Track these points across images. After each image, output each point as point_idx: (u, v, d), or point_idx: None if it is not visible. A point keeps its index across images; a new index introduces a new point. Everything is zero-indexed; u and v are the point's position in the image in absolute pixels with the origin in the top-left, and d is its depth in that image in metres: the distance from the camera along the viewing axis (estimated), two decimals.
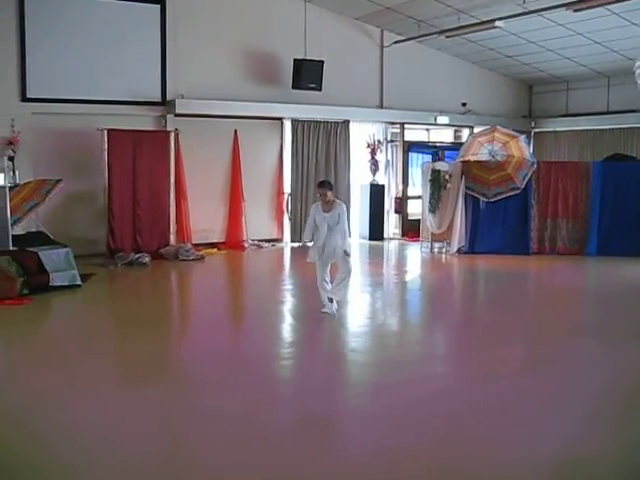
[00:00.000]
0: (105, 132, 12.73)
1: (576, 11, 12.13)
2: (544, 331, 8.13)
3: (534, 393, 5.87)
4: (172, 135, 13.61)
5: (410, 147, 17.35)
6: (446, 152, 17.36)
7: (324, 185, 8.66)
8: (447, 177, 13.92)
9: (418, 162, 17.02)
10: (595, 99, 17.03)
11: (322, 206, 8.51)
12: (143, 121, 13.73)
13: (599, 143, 17.17)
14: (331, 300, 8.61)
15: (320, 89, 14.57)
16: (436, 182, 13.95)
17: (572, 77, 17.33)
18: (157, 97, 13.87)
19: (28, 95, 12.62)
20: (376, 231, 16.15)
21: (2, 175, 10.16)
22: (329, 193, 8.50)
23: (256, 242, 14.91)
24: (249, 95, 14.44)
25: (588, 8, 11.94)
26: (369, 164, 16.14)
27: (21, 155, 12.36)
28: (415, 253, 14.63)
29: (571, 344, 7.51)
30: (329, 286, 8.63)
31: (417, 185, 16.37)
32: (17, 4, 12.42)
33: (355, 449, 4.73)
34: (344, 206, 8.64)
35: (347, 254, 8.54)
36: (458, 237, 13.88)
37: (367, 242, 15.85)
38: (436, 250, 14.40)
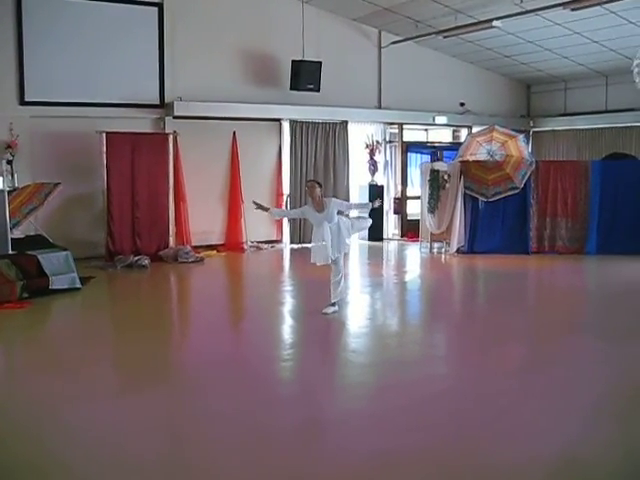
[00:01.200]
0: (104, 135, 12.73)
1: (573, 10, 12.14)
2: (545, 330, 8.13)
3: (535, 393, 5.86)
4: (171, 137, 13.60)
5: (409, 147, 17.35)
6: (445, 152, 17.37)
7: (312, 181, 8.81)
8: (446, 177, 13.91)
9: (417, 162, 17.04)
10: (593, 98, 17.03)
11: (315, 207, 8.49)
12: (141, 123, 13.72)
13: (597, 142, 17.18)
14: (333, 304, 8.69)
15: (318, 90, 14.57)
16: (435, 182, 13.94)
17: (570, 76, 17.34)
18: (155, 99, 13.86)
19: (26, 98, 12.60)
20: (375, 232, 16.10)
21: (1, 179, 10.16)
22: (317, 189, 8.48)
23: (255, 244, 14.91)
24: (247, 97, 14.43)
25: (585, 7, 11.94)
26: (368, 165, 16.15)
27: (19, 158, 12.33)
28: (414, 253, 14.63)
29: (572, 343, 7.51)
30: (342, 279, 8.73)
31: (416, 185, 16.37)
32: (14, 8, 12.40)
33: (356, 451, 4.72)
34: (334, 199, 8.76)
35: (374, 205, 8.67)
36: (457, 237, 13.87)
37: (366, 243, 15.84)
38: (435, 250, 14.40)
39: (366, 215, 8.80)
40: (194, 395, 5.90)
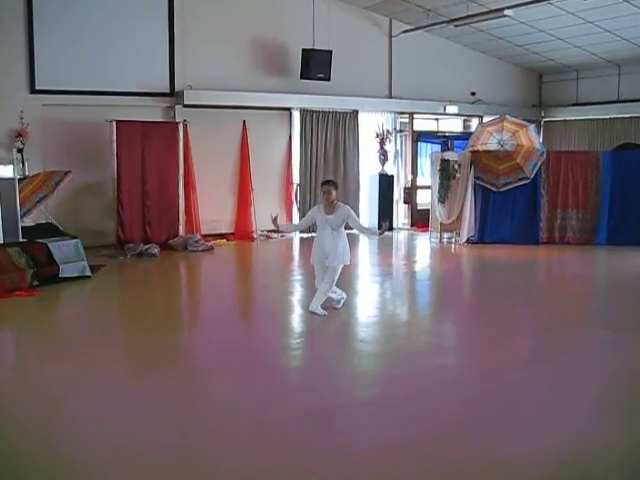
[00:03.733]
0: (114, 123, 12.76)
1: None
2: (554, 321, 8.11)
3: (543, 384, 5.85)
4: (181, 126, 13.63)
5: (419, 137, 17.31)
6: (455, 142, 17.30)
7: (329, 183, 8.25)
8: (456, 167, 13.87)
9: (427, 152, 17.00)
10: (605, 88, 16.92)
11: (324, 208, 8.12)
12: (152, 112, 13.73)
13: (609, 132, 17.08)
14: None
15: (329, 79, 14.53)
16: (445, 172, 13.90)
17: (582, 66, 17.22)
18: (165, 88, 13.86)
19: (37, 87, 12.64)
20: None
21: (11, 167, 10.19)
22: (333, 192, 8.08)
23: (265, 233, 14.91)
24: (257, 86, 14.42)
25: None
26: (378, 154, 16.10)
27: (30, 147, 12.37)
28: (424, 243, 14.60)
29: (581, 334, 7.49)
30: (324, 287, 8.21)
31: (426, 175, 16.34)
32: None
33: (363, 440, 4.73)
34: (348, 207, 8.21)
35: (381, 232, 8.54)
36: (467, 227, 13.83)
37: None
38: (445, 240, 14.37)
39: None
40: (202, 383, 5.92)
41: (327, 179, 8.84)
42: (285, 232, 8.72)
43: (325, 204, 8.14)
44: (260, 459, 4.42)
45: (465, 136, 16.60)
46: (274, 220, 8.52)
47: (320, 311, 8.10)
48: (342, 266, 8.25)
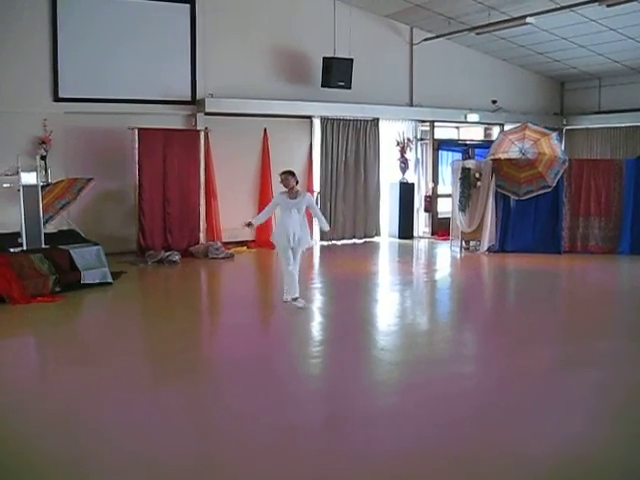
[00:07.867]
0: (136, 131, 12.84)
1: (609, 6, 11.97)
2: (574, 332, 8.04)
3: (562, 394, 5.79)
4: (202, 134, 13.70)
5: (440, 145, 17.25)
6: (476, 150, 17.24)
7: (286, 172, 8.94)
8: (477, 175, 13.80)
9: (448, 160, 16.94)
10: (628, 95, 16.77)
11: (287, 194, 8.86)
12: (173, 120, 13.81)
13: (632, 140, 16.93)
14: (295, 299, 8.95)
15: (349, 87, 14.54)
16: (466, 180, 13.84)
17: (605, 73, 17.10)
18: (187, 96, 13.93)
19: (60, 95, 12.75)
20: (406, 230, 16.10)
21: (34, 174, 10.28)
22: (291, 179, 8.82)
23: None
24: (278, 94, 14.45)
25: (621, 3, 11.77)
26: (399, 162, 16.08)
27: (53, 154, 12.48)
28: (445, 252, 14.54)
29: (602, 345, 7.40)
30: (296, 272, 8.97)
31: (447, 183, 16.30)
32: (49, 6, 12.55)
33: (382, 447, 4.70)
34: (309, 195, 9.21)
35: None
36: (488, 236, 13.74)
37: (397, 241, 15.80)
38: (466, 249, 14.29)
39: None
40: (221, 390, 5.92)
41: (283, 170, 9.21)
42: (257, 223, 9.27)
43: (288, 191, 8.89)
44: (278, 466, 4.41)
45: (486, 144, 16.54)
46: (248, 225, 9.25)
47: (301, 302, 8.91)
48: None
